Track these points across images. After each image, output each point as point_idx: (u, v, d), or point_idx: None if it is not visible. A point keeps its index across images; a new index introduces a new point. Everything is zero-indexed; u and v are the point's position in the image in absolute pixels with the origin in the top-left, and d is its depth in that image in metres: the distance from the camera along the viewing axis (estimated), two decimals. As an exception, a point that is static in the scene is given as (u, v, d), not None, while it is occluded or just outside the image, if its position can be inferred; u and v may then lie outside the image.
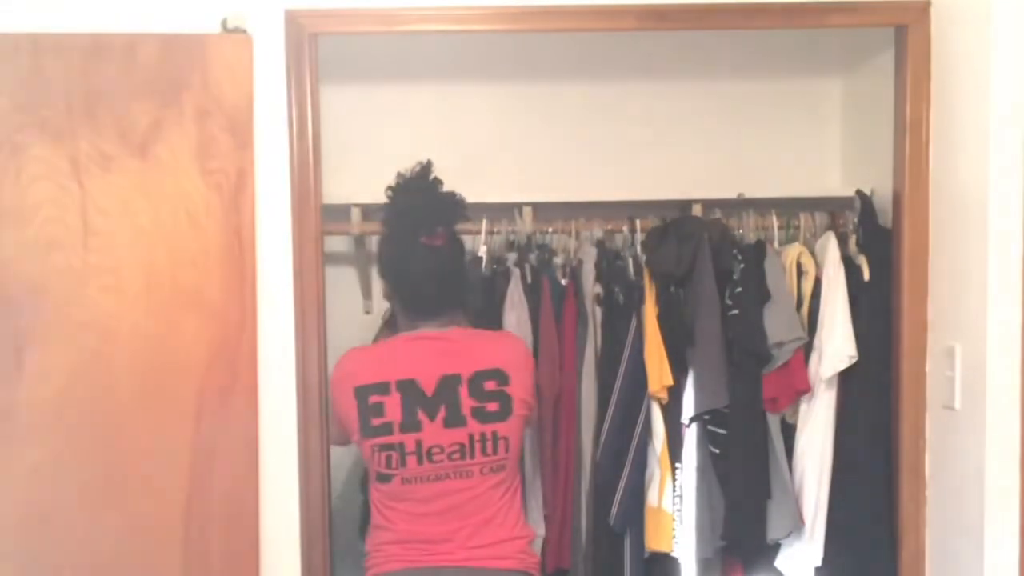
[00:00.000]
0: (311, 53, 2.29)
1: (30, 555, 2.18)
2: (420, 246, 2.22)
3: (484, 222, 2.73)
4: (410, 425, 2.14)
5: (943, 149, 2.32)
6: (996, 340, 2.13)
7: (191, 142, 2.20)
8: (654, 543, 2.58)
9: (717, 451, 2.60)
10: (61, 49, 2.18)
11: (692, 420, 2.61)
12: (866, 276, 2.59)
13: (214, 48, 2.22)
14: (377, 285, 3.14)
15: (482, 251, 2.75)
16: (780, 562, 2.62)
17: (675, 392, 2.59)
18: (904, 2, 2.35)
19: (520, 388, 2.20)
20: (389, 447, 2.14)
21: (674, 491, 2.59)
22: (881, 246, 2.54)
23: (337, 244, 3.00)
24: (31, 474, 2.18)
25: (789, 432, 2.63)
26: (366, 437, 2.16)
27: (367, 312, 3.14)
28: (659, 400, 2.59)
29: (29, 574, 2.19)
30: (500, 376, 2.18)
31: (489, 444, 2.16)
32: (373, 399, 2.15)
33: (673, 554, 2.59)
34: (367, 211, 2.96)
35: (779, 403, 2.59)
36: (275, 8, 2.26)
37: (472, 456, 2.15)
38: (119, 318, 2.19)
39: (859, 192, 2.71)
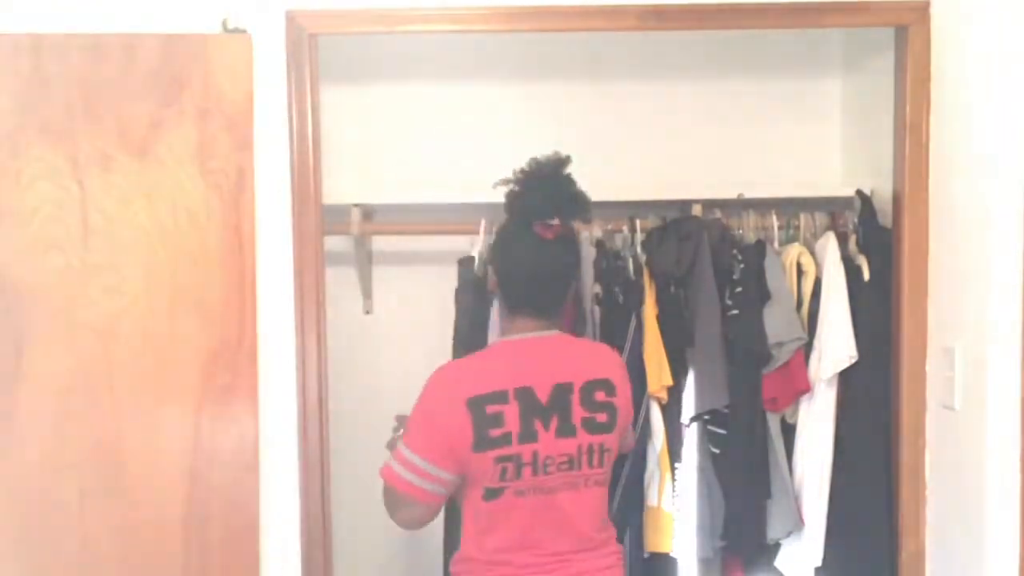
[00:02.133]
0: (311, 53, 2.29)
1: (30, 555, 2.18)
2: (532, 235, 2.11)
3: (483, 222, 2.73)
4: (528, 435, 2.02)
5: (943, 149, 2.32)
6: (996, 340, 2.13)
7: (191, 142, 2.20)
8: (653, 543, 2.58)
9: (717, 451, 2.60)
10: (61, 49, 2.19)
11: (692, 420, 2.61)
12: (866, 276, 2.59)
13: (214, 48, 2.22)
14: (377, 285, 3.16)
15: (475, 251, 2.73)
16: (780, 562, 2.62)
17: (675, 392, 2.59)
18: (904, 2, 2.35)
19: (624, 400, 2.14)
20: (506, 459, 2.01)
21: (674, 491, 2.59)
22: (881, 246, 2.54)
23: (337, 244, 3.00)
24: (31, 474, 2.18)
25: (789, 432, 2.63)
26: (478, 450, 2.00)
27: (367, 312, 3.15)
28: (659, 400, 2.59)
29: (29, 574, 2.19)
30: (608, 387, 2.10)
31: (596, 456, 2.07)
32: (491, 409, 2.01)
33: (673, 554, 2.59)
34: (367, 211, 2.97)
35: (779, 403, 2.59)
36: (275, 8, 2.26)
37: (579, 468, 2.05)
38: (119, 318, 2.19)
39: (859, 192, 2.71)
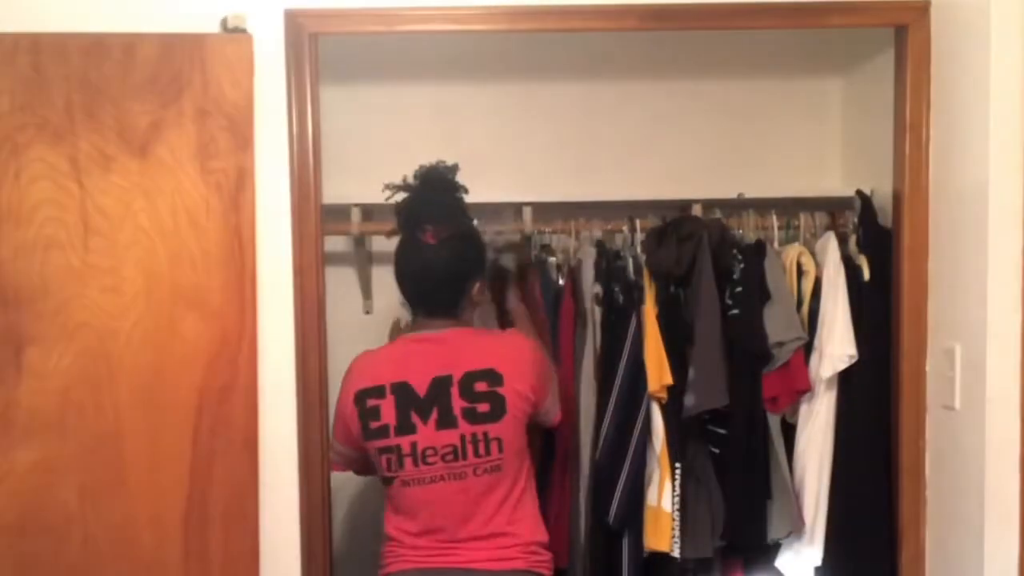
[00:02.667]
0: (311, 53, 2.29)
1: (30, 555, 2.18)
2: (416, 243, 2.26)
3: (475, 222, 2.72)
4: (405, 427, 2.18)
5: (943, 149, 2.32)
6: (996, 340, 2.13)
7: (191, 142, 2.20)
8: (653, 543, 2.58)
9: (717, 451, 2.60)
10: (61, 49, 2.18)
11: (692, 420, 2.61)
12: (866, 276, 2.59)
13: (214, 48, 2.22)
14: (376, 285, 3.16)
15: None
16: (780, 562, 2.62)
17: (675, 392, 2.59)
18: (904, 2, 2.35)
19: (517, 387, 2.20)
20: (387, 450, 2.19)
21: (673, 491, 2.59)
22: (881, 246, 2.54)
23: (337, 244, 3.00)
24: (31, 474, 2.18)
25: (789, 432, 2.63)
26: (367, 440, 2.22)
27: (367, 312, 3.15)
28: (659, 400, 2.59)
29: (28, 574, 2.19)
30: (492, 376, 2.19)
31: (481, 445, 2.17)
32: (371, 403, 2.20)
33: (672, 554, 2.59)
34: (367, 211, 2.96)
35: (779, 403, 2.59)
36: (275, 8, 2.26)
37: (464, 457, 2.17)
38: (119, 318, 2.19)
39: (859, 192, 2.72)
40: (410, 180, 2.34)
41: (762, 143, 3.10)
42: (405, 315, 2.55)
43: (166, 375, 2.20)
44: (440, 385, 2.19)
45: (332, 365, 2.41)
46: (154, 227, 2.20)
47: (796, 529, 2.57)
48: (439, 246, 2.25)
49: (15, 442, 2.17)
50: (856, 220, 2.69)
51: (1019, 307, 2.11)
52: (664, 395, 2.58)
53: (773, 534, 2.59)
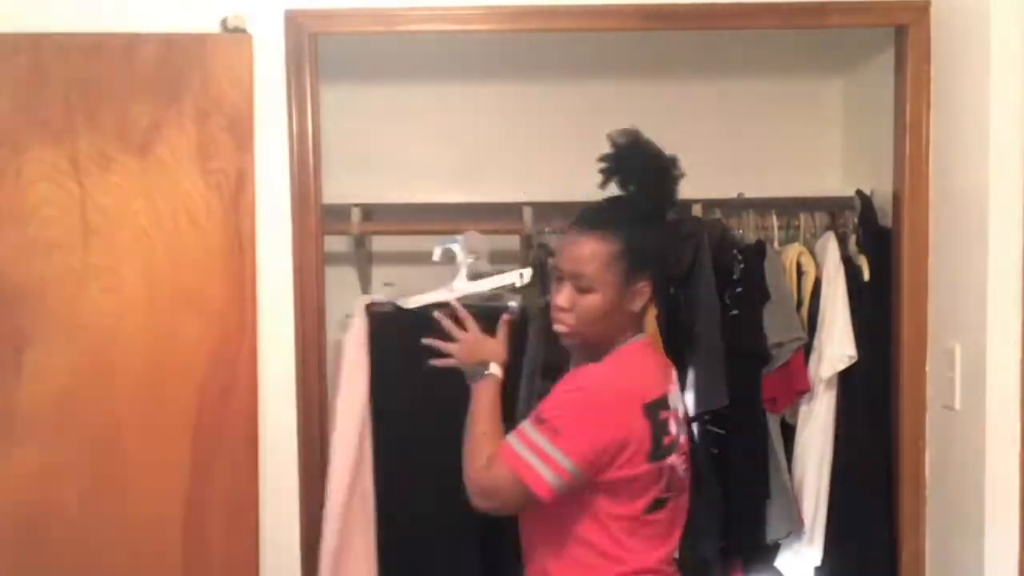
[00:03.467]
0: (311, 53, 2.29)
1: (30, 555, 2.18)
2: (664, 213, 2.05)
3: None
4: (678, 443, 1.91)
5: (943, 149, 2.32)
6: (996, 340, 2.12)
7: (191, 142, 2.20)
8: (654, 543, 2.58)
9: (717, 451, 2.60)
10: (61, 49, 2.18)
11: (692, 420, 2.61)
12: (866, 276, 2.59)
13: (214, 48, 2.22)
14: (376, 285, 3.15)
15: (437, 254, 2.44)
16: (780, 562, 2.62)
17: (675, 392, 2.59)
18: (904, 2, 2.35)
19: None
20: (672, 467, 1.88)
21: (674, 491, 2.58)
22: (881, 246, 2.54)
23: (337, 244, 3.00)
24: (31, 474, 2.18)
25: (789, 432, 2.63)
26: (652, 460, 1.83)
27: (367, 312, 3.14)
28: (659, 400, 2.59)
29: (28, 574, 2.19)
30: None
31: (688, 456, 1.97)
32: (662, 415, 1.86)
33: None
34: (367, 211, 2.96)
35: (779, 403, 2.59)
36: (275, 8, 2.26)
37: (687, 471, 1.95)
38: (119, 318, 2.19)
39: (859, 192, 2.71)
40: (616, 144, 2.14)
41: (762, 143, 3.10)
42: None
43: (166, 375, 2.20)
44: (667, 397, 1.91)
45: (331, 365, 2.41)
46: (154, 227, 2.20)
47: (796, 529, 2.57)
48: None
49: (15, 442, 2.17)
50: (856, 220, 2.69)
51: (1019, 307, 2.11)
52: (664, 395, 2.58)
53: (772, 534, 2.58)
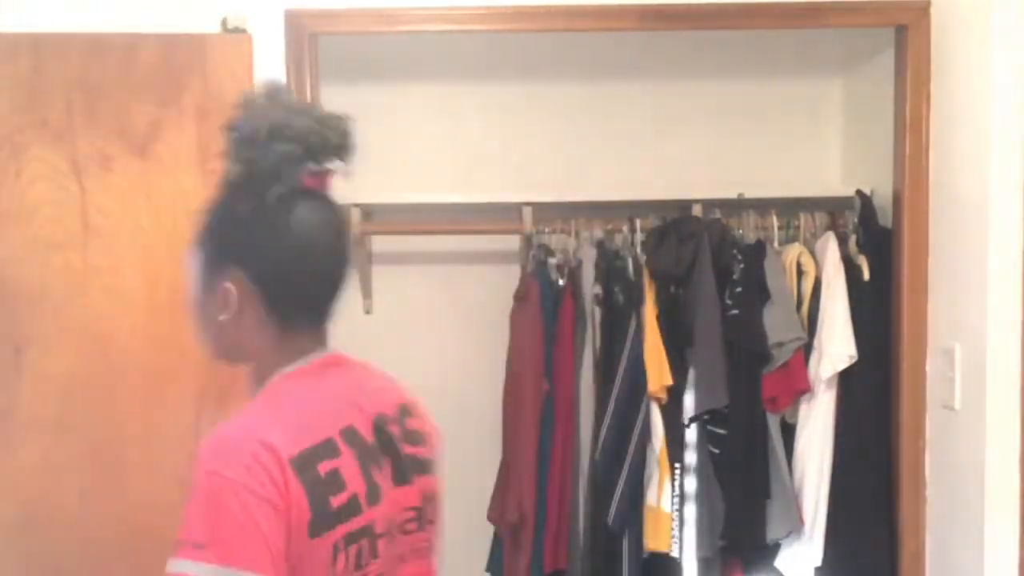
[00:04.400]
0: (311, 53, 2.29)
1: (30, 555, 2.18)
2: (298, 194, 1.38)
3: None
4: (374, 494, 1.30)
5: (943, 149, 2.32)
6: (996, 340, 2.12)
7: (191, 142, 2.20)
8: (652, 543, 2.58)
9: (717, 451, 2.60)
10: (61, 49, 2.18)
11: (692, 420, 2.61)
12: (866, 276, 2.59)
13: (214, 48, 2.22)
14: (377, 285, 3.15)
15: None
16: (780, 562, 2.62)
17: (675, 392, 2.59)
18: (904, 2, 2.35)
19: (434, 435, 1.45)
20: (358, 535, 1.26)
21: (673, 491, 2.59)
22: (881, 246, 2.54)
23: (337, 244, 2.99)
24: (31, 474, 2.17)
25: (789, 432, 2.63)
26: (319, 534, 1.22)
27: (367, 312, 3.15)
28: (658, 400, 2.59)
29: (29, 573, 2.19)
30: (415, 411, 1.44)
31: (431, 507, 1.41)
32: (324, 467, 1.24)
33: (672, 554, 2.59)
34: (367, 211, 2.97)
35: (779, 403, 2.59)
36: (275, 8, 2.26)
37: (422, 527, 1.39)
38: (119, 318, 2.19)
39: (859, 192, 2.72)
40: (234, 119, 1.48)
41: (762, 143, 3.10)
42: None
43: (166, 375, 2.20)
44: (383, 425, 1.36)
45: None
46: (154, 227, 2.20)
47: (796, 529, 2.57)
48: (332, 202, 1.43)
49: (15, 442, 2.17)
50: (856, 220, 2.69)
51: (1019, 307, 2.11)
52: (664, 395, 2.58)
53: (773, 534, 2.58)
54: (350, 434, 1.30)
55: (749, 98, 3.11)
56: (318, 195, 1.41)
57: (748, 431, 2.58)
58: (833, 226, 2.74)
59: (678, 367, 2.59)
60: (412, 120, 3.09)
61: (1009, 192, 2.11)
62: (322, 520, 1.22)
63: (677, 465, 2.60)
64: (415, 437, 1.41)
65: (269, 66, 2.26)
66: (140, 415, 2.20)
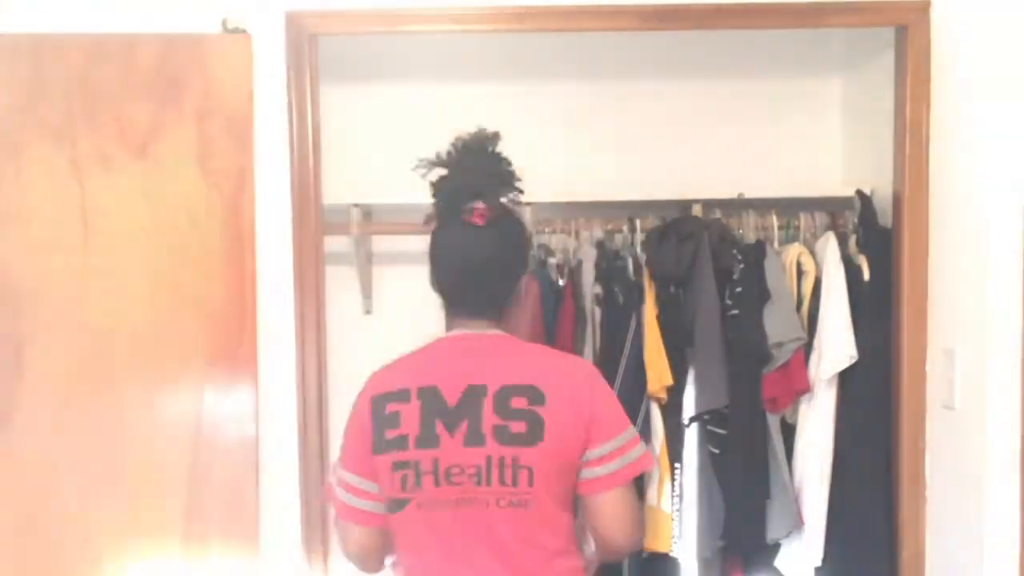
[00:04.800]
0: (311, 53, 2.29)
1: (29, 554, 2.18)
2: (460, 226, 1.84)
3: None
4: (427, 440, 1.73)
5: (943, 149, 2.32)
6: (996, 340, 2.13)
7: (191, 142, 2.20)
8: (653, 543, 2.58)
9: (717, 451, 2.60)
10: (61, 49, 2.19)
11: (692, 420, 2.61)
12: (866, 276, 2.58)
13: (214, 48, 2.22)
14: (377, 285, 3.16)
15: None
16: (780, 562, 2.62)
17: (674, 392, 2.59)
18: (904, 2, 2.35)
19: (564, 414, 1.73)
20: (404, 464, 1.74)
21: (673, 491, 2.59)
22: (881, 246, 2.54)
23: (337, 244, 2.99)
24: (31, 473, 2.18)
25: (789, 432, 2.63)
26: (377, 453, 1.76)
27: (367, 312, 3.15)
28: (658, 400, 2.59)
29: (28, 573, 2.19)
30: (535, 394, 1.73)
31: (508, 471, 1.71)
32: (390, 408, 1.77)
33: (672, 554, 2.59)
34: (367, 211, 2.96)
35: (779, 403, 2.59)
36: (275, 8, 2.26)
37: (488, 483, 1.72)
38: (119, 318, 2.19)
39: (859, 192, 2.71)
40: (444, 153, 1.96)
41: (762, 143, 3.10)
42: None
43: (166, 375, 2.20)
44: (473, 395, 1.74)
45: (332, 365, 2.40)
46: (154, 227, 2.20)
47: (796, 529, 2.57)
48: (488, 229, 1.83)
49: (15, 442, 2.17)
50: (856, 220, 2.69)
51: (1019, 307, 2.11)
52: (664, 395, 2.58)
53: (773, 534, 2.58)
54: (428, 391, 1.76)
55: (749, 98, 3.11)
56: (464, 224, 1.86)
57: (748, 431, 2.58)
58: (833, 226, 2.74)
59: (678, 367, 2.59)
60: (412, 120, 3.09)
61: (1009, 192, 2.11)
62: (379, 444, 1.77)
63: (677, 465, 2.60)
64: (513, 413, 1.73)
65: (269, 66, 2.27)
66: (140, 414, 2.20)
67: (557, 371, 1.80)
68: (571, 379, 1.78)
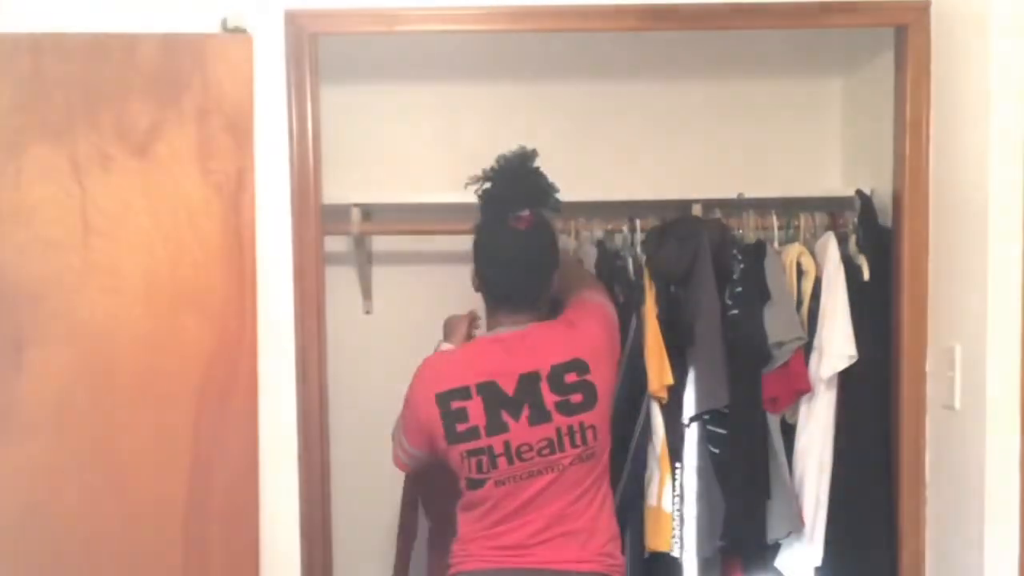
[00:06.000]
0: (311, 53, 2.29)
1: (29, 554, 2.18)
2: (506, 228, 2.22)
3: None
4: (496, 427, 2.12)
5: (943, 149, 2.32)
6: (996, 340, 2.12)
7: (191, 142, 2.20)
8: (653, 543, 2.58)
9: (717, 451, 2.60)
10: (61, 49, 2.18)
11: (692, 420, 2.61)
12: (866, 276, 2.59)
13: (214, 48, 2.22)
14: (377, 285, 3.16)
15: None
16: (780, 562, 2.62)
17: (675, 392, 2.59)
18: (904, 2, 2.35)
19: (603, 369, 2.19)
20: (478, 452, 2.13)
21: (673, 491, 2.59)
22: (881, 246, 2.54)
23: (337, 244, 3.00)
24: (30, 474, 2.18)
25: (789, 432, 2.63)
26: (452, 444, 2.15)
27: (367, 312, 3.15)
28: (659, 400, 2.59)
29: (28, 573, 2.19)
30: (580, 366, 2.15)
31: (578, 436, 2.14)
32: (456, 405, 2.14)
33: (672, 554, 2.59)
34: (367, 211, 2.97)
35: (779, 403, 2.59)
36: (275, 8, 2.26)
37: (561, 449, 2.13)
38: (119, 318, 2.19)
39: (859, 192, 2.71)
40: (497, 162, 2.29)
41: (762, 143, 3.10)
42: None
43: (166, 375, 2.20)
44: (529, 381, 2.14)
45: (332, 365, 2.41)
46: (154, 227, 2.20)
47: (796, 529, 2.57)
48: (532, 233, 2.22)
49: (15, 442, 2.17)
50: (856, 220, 2.69)
51: (1019, 307, 2.11)
52: (664, 395, 2.58)
53: (773, 534, 2.58)
54: (486, 386, 2.13)
55: (749, 98, 3.11)
56: (513, 230, 2.22)
57: (748, 431, 2.58)
58: (833, 226, 2.74)
59: (678, 367, 2.59)
60: (412, 120, 3.09)
61: (1009, 192, 2.11)
62: (451, 436, 2.13)
63: (678, 464, 2.60)
64: (569, 387, 2.14)
65: (269, 66, 2.27)
66: (140, 414, 2.20)
67: (582, 340, 2.19)
68: (593, 341, 2.20)
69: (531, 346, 2.18)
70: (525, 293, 2.23)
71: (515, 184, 2.25)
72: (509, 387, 2.14)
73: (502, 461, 2.12)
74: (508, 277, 2.23)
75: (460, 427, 2.13)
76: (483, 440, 2.12)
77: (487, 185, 2.27)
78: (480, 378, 2.14)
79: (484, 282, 2.27)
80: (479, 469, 2.14)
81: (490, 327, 2.27)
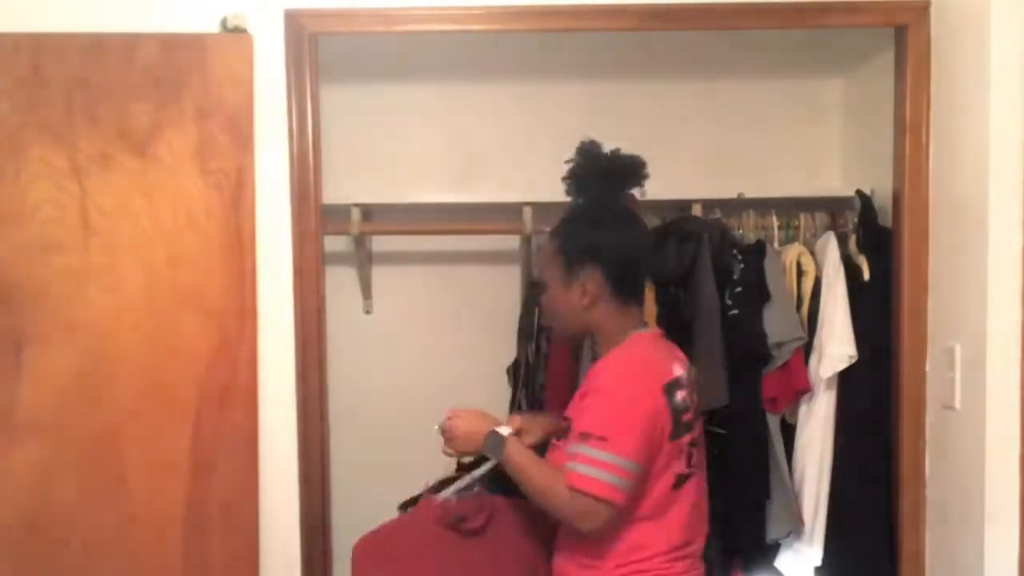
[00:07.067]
0: (311, 53, 2.29)
1: (29, 554, 2.18)
2: (627, 211, 2.16)
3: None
4: (695, 420, 2.11)
5: (943, 149, 2.32)
6: (996, 340, 2.12)
7: (191, 142, 2.20)
8: (654, 543, 2.58)
9: (717, 451, 2.60)
10: (61, 49, 2.18)
11: (692, 420, 2.61)
12: (866, 276, 2.59)
13: (214, 48, 2.22)
14: (377, 285, 3.16)
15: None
16: (780, 562, 2.62)
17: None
18: (904, 2, 2.35)
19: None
20: (694, 443, 2.09)
21: (674, 491, 2.58)
22: (881, 246, 2.54)
23: (337, 244, 3.00)
24: (31, 474, 2.18)
25: (789, 432, 2.63)
26: (674, 438, 2.02)
27: (367, 312, 3.15)
28: (659, 400, 2.58)
29: (28, 573, 2.19)
30: (690, 381, 2.13)
31: (700, 443, 2.15)
32: (680, 394, 2.05)
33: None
34: (367, 211, 2.97)
35: (779, 403, 2.59)
36: (275, 8, 2.26)
37: (700, 449, 2.14)
38: (119, 318, 2.19)
39: (859, 192, 2.72)
40: (579, 152, 2.24)
41: (762, 143, 3.11)
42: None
43: (166, 375, 2.20)
44: (688, 377, 2.11)
45: (332, 365, 2.41)
46: (154, 227, 2.20)
47: (796, 529, 2.57)
48: (639, 217, 2.21)
49: (15, 442, 2.17)
50: (856, 220, 2.69)
51: (1019, 307, 2.11)
52: (664, 395, 2.58)
53: (773, 534, 2.58)
54: (680, 378, 2.04)
55: (749, 98, 3.11)
56: (633, 212, 2.16)
57: (748, 431, 2.58)
58: (833, 226, 2.74)
59: (678, 367, 2.59)
60: (412, 120, 3.09)
61: (1009, 192, 2.11)
62: (677, 430, 2.00)
63: (677, 465, 2.60)
64: (692, 400, 2.09)
65: (269, 66, 2.26)
66: (140, 415, 2.20)
67: (677, 357, 2.14)
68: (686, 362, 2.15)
69: (670, 351, 2.15)
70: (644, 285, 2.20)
71: (612, 162, 2.18)
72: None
73: (697, 454, 2.10)
74: (647, 264, 2.21)
75: (685, 417, 2.04)
76: (694, 432, 2.08)
77: (580, 165, 2.19)
78: (677, 371, 2.08)
79: (622, 279, 2.09)
80: (689, 463, 2.06)
81: (623, 329, 2.09)
